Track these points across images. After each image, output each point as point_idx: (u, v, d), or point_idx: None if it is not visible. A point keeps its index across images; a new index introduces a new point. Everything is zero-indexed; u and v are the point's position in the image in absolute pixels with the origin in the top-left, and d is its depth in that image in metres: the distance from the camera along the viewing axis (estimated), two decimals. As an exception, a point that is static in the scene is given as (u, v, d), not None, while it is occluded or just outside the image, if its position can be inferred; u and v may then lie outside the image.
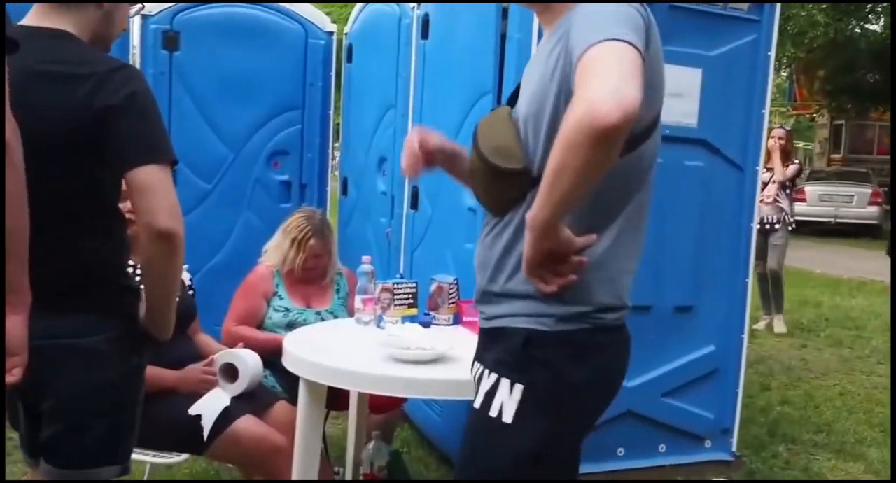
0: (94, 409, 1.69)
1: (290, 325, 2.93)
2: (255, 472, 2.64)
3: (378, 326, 2.71)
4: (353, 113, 4.59)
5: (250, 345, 2.76)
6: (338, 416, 3.58)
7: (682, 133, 3.05)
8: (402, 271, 3.75)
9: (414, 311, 2.81)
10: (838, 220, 15.28)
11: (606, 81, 1.25)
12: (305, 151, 4.35)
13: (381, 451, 2.91)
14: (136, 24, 3.95)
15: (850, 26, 16.83)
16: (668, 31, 2.99)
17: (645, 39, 1.37)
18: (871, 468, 3.80)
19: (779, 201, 6.39)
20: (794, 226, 6.55)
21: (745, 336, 3.40)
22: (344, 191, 4.63)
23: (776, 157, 6.33)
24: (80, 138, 1.61)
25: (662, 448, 3.25)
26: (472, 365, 1.62)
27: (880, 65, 16.26)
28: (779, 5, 3.24)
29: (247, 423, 2.49)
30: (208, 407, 2.47)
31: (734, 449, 3.42)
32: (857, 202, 15.41)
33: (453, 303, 2.81)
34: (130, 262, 1.79)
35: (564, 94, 1.41)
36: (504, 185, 1.53)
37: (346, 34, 4.68)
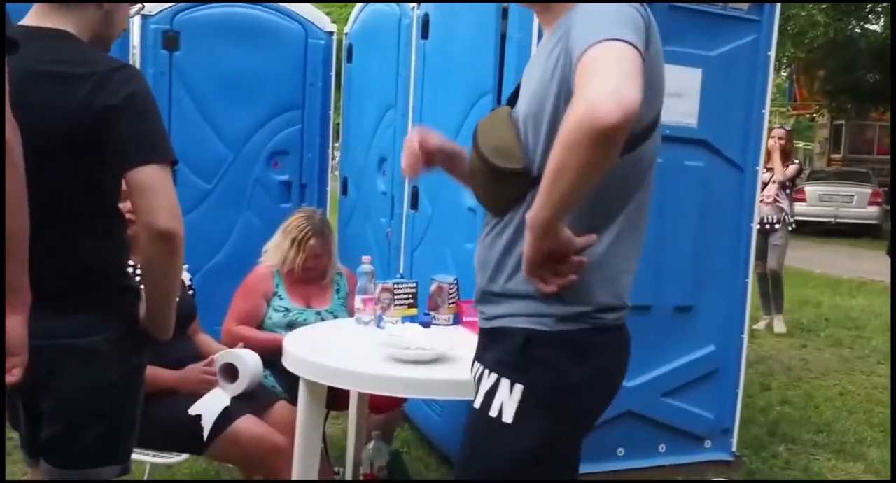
0: (94, 409, 1.69)
1: (290, 325, 2.93)
2: (255, 472, 2.64)
3: (378, 326, 2.70)
4: (353, 113, 4.59)
5: (250, 345, 2.76)
6: (338, 416, 3.58)
7: (683, 133, 3.05)
8: (402, 271, 3.75)
9: (414, 311, 2.81)
10: (838, 220, 15.28)
11: (606, 81, 1.25)
12: (305, 151, 4.35)
13: (381, 451, 2.91)
14: (136, 24, 3.95)
15: (850, 26, 16.83)
16: (668, 31, 2.99)
17: (645, 39, 1.37)
18: (871, 468, 3.80)
19: (779, 201, 6.39)
20: (794, 226, 6.55)
21: (745, 336, 3.40)
22: (344, 191, 4.63)
23: (776, 157, 6.32)
24: (80, 138, 1.61)
25: (662, 448, 3.26)
26: (473, 365, 1.62)
27: (880, 65, 16.26)
28: (779, 5, 3.24)
29: (247, 423, 2.49)
30: (208, 407, 2.47)
31: (734, 449, 3.42)
32: (857, 202, 15.41)
33: (453, 303, 2.81)
34: (130, 263, 1.79)
35: (564, 94, 1.41)
36: (504, 185, 1.53)
37: (346, 34, 4.68)
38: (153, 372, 2.19)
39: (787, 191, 6.50)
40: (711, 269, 3.25)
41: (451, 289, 2.81)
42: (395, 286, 2.77)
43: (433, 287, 2.81)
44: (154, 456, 2.55)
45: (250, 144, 4.22)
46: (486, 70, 3.01)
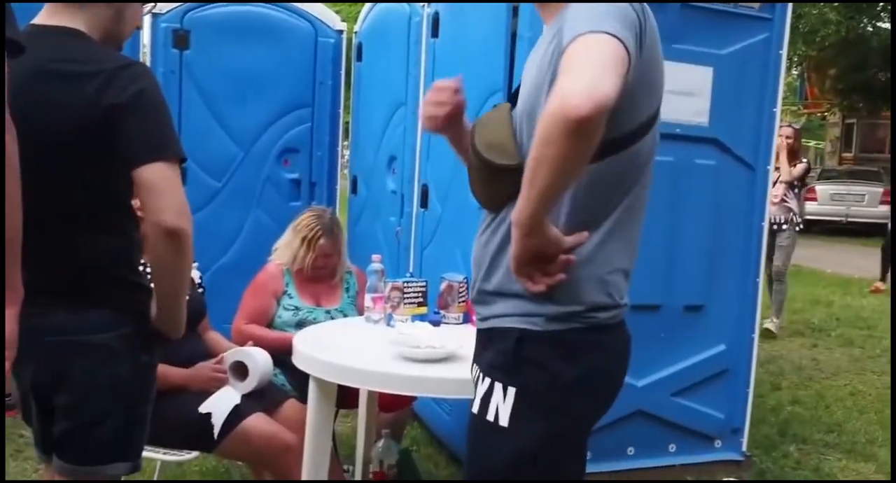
0: (106, 405, 1.69)
1: (300, 324, 2.93)
2: (265, 470, 2.64)
3: (388, 325, 2.71)
4: (362, 111, 4.59)
5: (260, 343, 2.76)
6: (347, 415, 3.58)
7: (694, 132, 3.04)
8: (411, 270, 3.75)
9: (424, 310, 2.81)
10: (849, 220, 15.21)
11: (581, 74, 1.25)
12: (315, 150, 4.36)
13: (391, 449, 2.91)
14: (146, 23, 3.97)
15: (862, 24, 16.76)
16: (680, 30, 3.01)
17: (637, 35, 1.36)
18: (882, 468, 3.78)
19: (786, 201, 6.25)
20: (801, 226, 6.40)
21: (756, 335, 3.39)
22: (353, 189, 4.63)
23: (783, 156, 6.13)
24: (89, 136, 1.61)
25: (672, 448, 3.25)
26: (472, 367, 1.61)
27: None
28: (790, 3, 3.23)
29: (257, 421, 2.49)
30: (218, 405, 2.48)
31: (744, 449, 3.41)
32: (868, 201, 15.32)
33: (463, 301, 2.81)
34: (142, 261, 1.79)
35: None
36: (499, 182, 1.52)
37: (355, 32, 4.68)
38: (164, 370, 2.19)
39: (796, 190, 6.35)
40: (722, 269, 3.24)
41: (460, 287, 2.80)
42: (405, 285, 2.77)
43: (443, 285, 2.81)
44: (165, 453, 2.55)
45: (260, 143, 4.23)
46: (496, 68, 3.01)
